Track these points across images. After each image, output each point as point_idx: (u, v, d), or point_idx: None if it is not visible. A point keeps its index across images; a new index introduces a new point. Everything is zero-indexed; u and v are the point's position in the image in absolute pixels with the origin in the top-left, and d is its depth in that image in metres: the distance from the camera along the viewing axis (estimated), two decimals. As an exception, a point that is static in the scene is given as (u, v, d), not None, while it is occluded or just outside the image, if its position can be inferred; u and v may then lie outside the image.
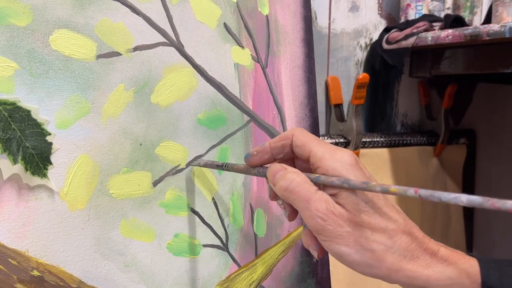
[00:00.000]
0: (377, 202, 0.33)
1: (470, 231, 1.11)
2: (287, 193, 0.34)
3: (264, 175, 0.38)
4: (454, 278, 0.33)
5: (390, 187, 0.30)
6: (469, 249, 1.13)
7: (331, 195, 0.33)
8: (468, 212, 1.10)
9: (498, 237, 1.12)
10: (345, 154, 0.34)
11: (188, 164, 0.47)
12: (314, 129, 0.60)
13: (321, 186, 0.34)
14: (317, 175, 0.34)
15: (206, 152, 0.49)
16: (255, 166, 0.39)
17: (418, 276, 0.32)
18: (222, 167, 0.43)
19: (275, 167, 0.36)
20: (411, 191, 0.29)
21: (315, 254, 0.36)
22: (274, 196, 0.38)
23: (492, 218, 1.12)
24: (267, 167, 0.37)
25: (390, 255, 0.32)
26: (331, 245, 0.33)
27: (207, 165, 0.46)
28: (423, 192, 0.28)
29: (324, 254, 0.36)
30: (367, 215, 0.32)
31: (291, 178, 0.34)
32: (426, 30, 0.82)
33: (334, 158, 0.34)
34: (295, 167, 0.37)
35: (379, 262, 0.32)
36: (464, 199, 0.26)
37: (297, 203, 0.34)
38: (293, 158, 0.39)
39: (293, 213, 0.38)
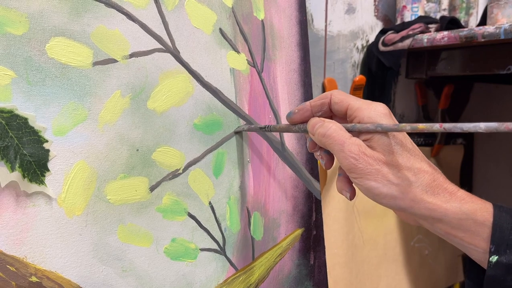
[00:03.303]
0: (406, 144, 0.38)
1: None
2: (324, 139, 0.38)
3: (305, 130, 0.42)
4: (468, 214, 0.37)
5: (418, 125, 0.34)
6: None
7: (364, 140, 0.37)
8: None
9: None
10: (379, 105, 0.38)
11: (234, 131, 0.51)
12: (310, 132, 0.60)
13: (357, 134, 0.38)
14: (352, 124, 0.38)
15: (203, 157, 0.49)
16: (296, 124, 0.43)
17: (437, 209, 0.37)
18: (265, 128, 0.47)
19: (315, 119, 0.40)
20: (436, 126, 0.33)
21: (347, 195, 0.41)
22: (312, 147, 0.42)
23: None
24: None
25: (413, 189, 0.36)
26: (361, 181, 0.37)
27: (250, 129, 0.51)
28: (447, 125, 0.32)
29: (355, 196, 0.41)
30: (396, 155, 0.37)
31: (328, 125, 0.39)
32: (422, 32, 0.82)
33: (370, 108, 0.38)
34: None
35: (403, 194, 0.36)
36: (483, 126, 0.30)
37: (333, 147, 0.38)
38: (331, 116, 0.42)
39: (329, 161, 0.42)
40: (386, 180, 0.36)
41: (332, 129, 0.38)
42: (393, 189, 0.36)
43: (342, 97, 0.40)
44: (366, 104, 0.38)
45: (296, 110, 0.43)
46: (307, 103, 0.42)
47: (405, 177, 0.36)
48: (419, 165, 0.37)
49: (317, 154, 0.43)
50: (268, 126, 0.47)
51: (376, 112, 0.37)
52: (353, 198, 0.41)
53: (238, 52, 0.52)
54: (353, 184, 0.40)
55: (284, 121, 0.57)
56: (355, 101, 0.39)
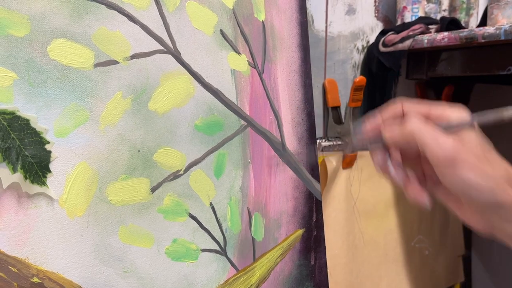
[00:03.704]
0: (486, 142, 0.38)
1: (469, 232, 1.12)
2: (417, 132, 0.37)
3: (379, 140, 0.40)
4: None
5: None
6: (468, 250, 1.13)
7: None
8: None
9: (496, 237, 1.13)
10: (460, 105, 0.38)
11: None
12: (311, 133, 0.60)
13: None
14: (442, 123, 0.38)
15: (204, 158, 0.49)
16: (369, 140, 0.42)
17: None
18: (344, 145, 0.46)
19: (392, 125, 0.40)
20: None
21: (427, 202, 0.40)
22: (383, 163, 0.41)
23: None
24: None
25: (504, 182, 0.36)
26: (458, 172, 0.36)
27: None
28: None
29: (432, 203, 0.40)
30: (485, 149, 0.37)
31: (417, 121, 0.38)
32: (422, 33, 0.83)
33: (455, 109, 0.38)
34: None
35: (503, 187, 0.36)
36: None
37: (425, 140, 0.37)
38: None
39: (404, 173, 0.41)
40: (484, 173, 0.36)
41: (422, 124, 0.37)
42: (491, 182, 0.36)
43: (415, 104, 0.40)
44: (448, 105, 0.38)
45: (369, 127, 0.41)
46: (378, 116, 0.41)
47: (501, 173, 0.36)
48: (500, 160, 0.37)
49: (394, 171, 0.41)
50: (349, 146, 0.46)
51: (462, 112, 0.38)
52: (431, 207, 0.40)
53: (239, 53, 0.52)
54: (440, 179, 0.39)
55: (285, 123, 0.57)
56: (433, 106, 0.39)
